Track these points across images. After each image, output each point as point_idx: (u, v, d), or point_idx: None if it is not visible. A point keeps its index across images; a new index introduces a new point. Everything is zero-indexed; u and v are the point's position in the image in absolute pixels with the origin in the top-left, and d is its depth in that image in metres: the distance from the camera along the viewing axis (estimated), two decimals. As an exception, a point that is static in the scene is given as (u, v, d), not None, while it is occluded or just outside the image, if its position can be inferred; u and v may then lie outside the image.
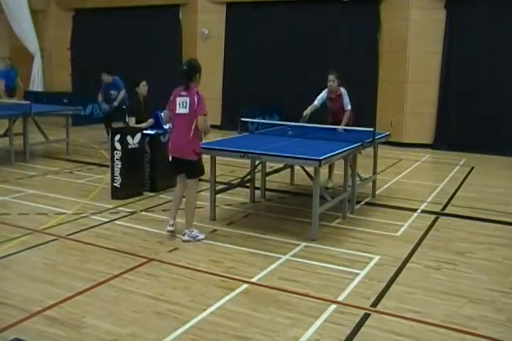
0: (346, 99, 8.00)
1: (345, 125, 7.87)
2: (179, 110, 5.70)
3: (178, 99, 5.70)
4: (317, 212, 5.94)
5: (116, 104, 10.69)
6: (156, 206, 7.02)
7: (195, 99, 5.61)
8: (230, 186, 7.48)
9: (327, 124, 8.02)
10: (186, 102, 5.64)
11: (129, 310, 4.23)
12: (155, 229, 6.20)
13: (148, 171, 7.82)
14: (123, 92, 10.69)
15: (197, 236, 5.89)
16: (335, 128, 7.78)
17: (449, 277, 5.05)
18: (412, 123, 12.53)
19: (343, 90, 8.03)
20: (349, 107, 8.00)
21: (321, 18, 13.37)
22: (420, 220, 6.86)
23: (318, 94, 8.15)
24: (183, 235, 5.88)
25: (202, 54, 15.08)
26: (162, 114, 6.77)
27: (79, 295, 4.46)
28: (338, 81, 8.00)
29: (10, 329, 3.88)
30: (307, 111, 7.84)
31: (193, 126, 5.66)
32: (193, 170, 5.84)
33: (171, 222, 5.97)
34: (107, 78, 10.76)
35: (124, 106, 10.40)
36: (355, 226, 6.51)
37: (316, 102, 8.02)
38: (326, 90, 8.09)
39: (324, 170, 8.44)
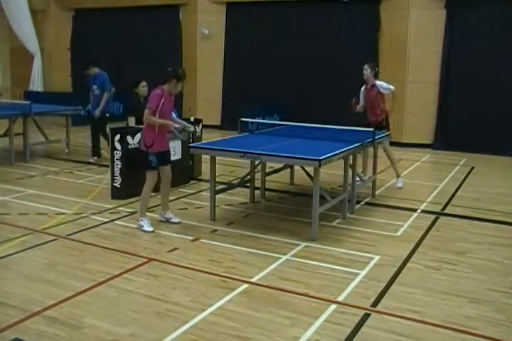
0: (384, 85, 8.30)
1: (381, 119, 8.33)
2: None
3: None
4: (317, 212, 5.94)
5: (99, 111, 9.51)
6: (156, 206, 7.02)
7: (150, 96, 6.05)
8: (230, 186, 7.48)
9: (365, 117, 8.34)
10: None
11: (129, 310, 4.23)
12: (155, 229, 6.20)
13: (148, 171, 7.81)
14: (107, 95, 9.62)
15: (143, 226, 6.16)
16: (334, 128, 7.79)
17: (449, 277, 5.05)
18: (412, 123, 12.53)
19: (378, 82, 8.33)
20: (391, 87, 8.31)
21: (321, 18, 13.37)
22: (420, 220, 6.86)
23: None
24: (137, 220, 6.28)
25: (202, 54, 15.13)
26: None
27: (79, 295, 4.46)
28: (372, 71, 8.34)
29: (10, 329, 3.88)
30: (360, 109, 8.39)
31: (145, 125, 6.13)
32: (142, 160, 6.18)
33: (161, 212, 6.54)
34: (92, 70, 9.75)
35: (107, 115, 9.63)
36: (355, 226, 6.50)
37: (361, 97, 8.47)
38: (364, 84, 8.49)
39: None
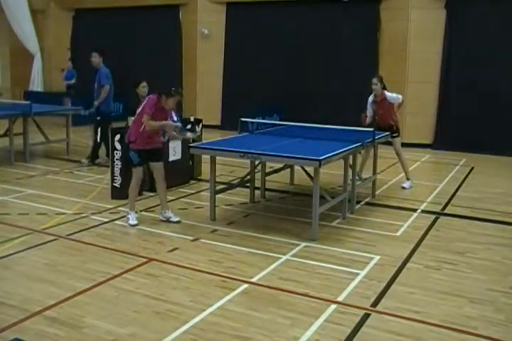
0: (394, 96, 8.26)
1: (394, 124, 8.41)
2: None
3: None
4: (317, 212, 5.94)
5: (95, 104, 9.18)
6: (156, 206, 7.02)
7: (144, 102, 6.25)
8: (230, 186, 7.48)
9: (377, 126, 8.07)
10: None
11: (129, 310, 4.23)
12: (155, 229, 6.21)
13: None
14: (106, 88, 9.17)
15: (128, 219, 6.37)
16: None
17: (449, 277, 5.05)
18: (412, 123, 12.52)
19: (387, 93, 8.25)
20: (400, 96, 8.32)
21: (321, 18, 13.38)
22: (420, 220, 6.86)
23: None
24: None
25: (202, 54, 15.12)
26: None
27: (79, 295, 4.47)
28: (382, 84, 8.21)
29: (10, 329, 3.88)
30: (368, 120, 8.27)
31: (133, 120, 6.38)
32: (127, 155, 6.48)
33: (160, 211, 6.59)
34: (96, 60, 9.21)
35: (97, 117, 9.22)
36: (355, 226, 6.50)
37: (369, 108, 8.37)
38: (372, 94, 8.33)
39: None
